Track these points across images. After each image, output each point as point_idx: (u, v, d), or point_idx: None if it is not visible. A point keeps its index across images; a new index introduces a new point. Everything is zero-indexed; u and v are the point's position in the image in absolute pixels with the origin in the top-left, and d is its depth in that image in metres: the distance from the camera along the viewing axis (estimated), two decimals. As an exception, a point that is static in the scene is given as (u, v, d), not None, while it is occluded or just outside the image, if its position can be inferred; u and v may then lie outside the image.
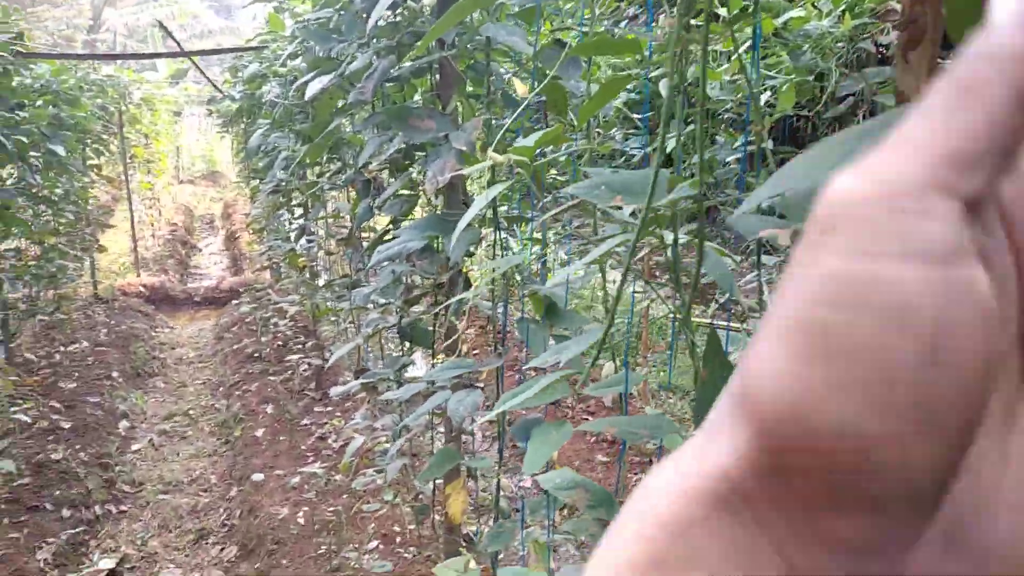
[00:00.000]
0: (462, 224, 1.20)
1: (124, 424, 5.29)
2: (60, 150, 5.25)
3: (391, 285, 2.49)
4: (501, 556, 1.81)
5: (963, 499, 0.24)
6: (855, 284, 0.21)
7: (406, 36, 1.97)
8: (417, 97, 2.50)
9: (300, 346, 5.69)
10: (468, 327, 5.94)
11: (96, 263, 7.97)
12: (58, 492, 4.20)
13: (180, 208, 13.33)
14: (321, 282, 4.74)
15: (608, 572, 0.24)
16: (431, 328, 2.50)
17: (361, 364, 4.26)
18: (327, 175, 3.55)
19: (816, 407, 0.21)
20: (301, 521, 3.75)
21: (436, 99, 2.12)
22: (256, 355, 6.03)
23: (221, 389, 5.89)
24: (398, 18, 1.95)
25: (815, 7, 2.31)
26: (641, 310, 4.07)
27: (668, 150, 2.39)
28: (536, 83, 1.84)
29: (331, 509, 3.80)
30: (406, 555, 3.33)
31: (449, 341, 2.32)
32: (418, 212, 2.45)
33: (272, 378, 5.54)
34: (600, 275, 1.51)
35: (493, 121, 1.80)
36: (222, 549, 3.95)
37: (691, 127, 2.33)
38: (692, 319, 1.13)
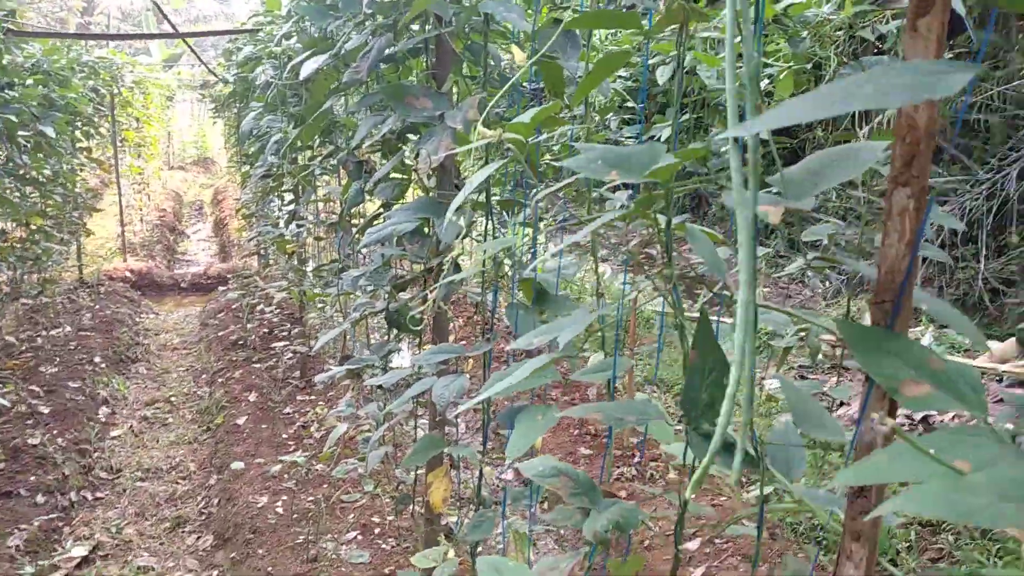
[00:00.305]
0: (454, 205, 1.15)
1: (105, 410, 5.22)
2: (50, 131, 5.18)
3: (380, 269, 2.44)
4: (480, 547, 1.76)
5: None
6: None
7: (403, 13, 1.92)
8: (411, 78, 2.45)
9: (286, 333, 5.63)
10: (456, 315, 5.89)
11: (83, 247, 7.88)
12: (33, 478, 4.12)
13: (169, 194, 13.22)
14: (310, 268, 4.68)
15: None
16: (419, 315, 2.46)
17: (347, 351, 4.21)
18: (318, 159, 3.49)
19: None
20: (280, 510, 3.70)
21: (432, 79, 2.08)
22: (241, 342, 5.96)
23: (204, 376, 5.82)
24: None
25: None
26: (629, 302, 4.04)
27: (663, 138, 2.35)
28: (534, 66, 1.80)
29: (311, 498, 3.74)
30: (384, 546, 3.29)
31: (436, 328, 2.27)
32: (409, 196, 2.40)
33: (256, 365, 5.48)
34: (592, 262, 1.47)
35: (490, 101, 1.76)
36: (198, 538, 3.89)
37: (687, 115, 2.30)
38: (682, 312, 1.09)
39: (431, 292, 2.30)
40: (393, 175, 2.43)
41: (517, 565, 1.31)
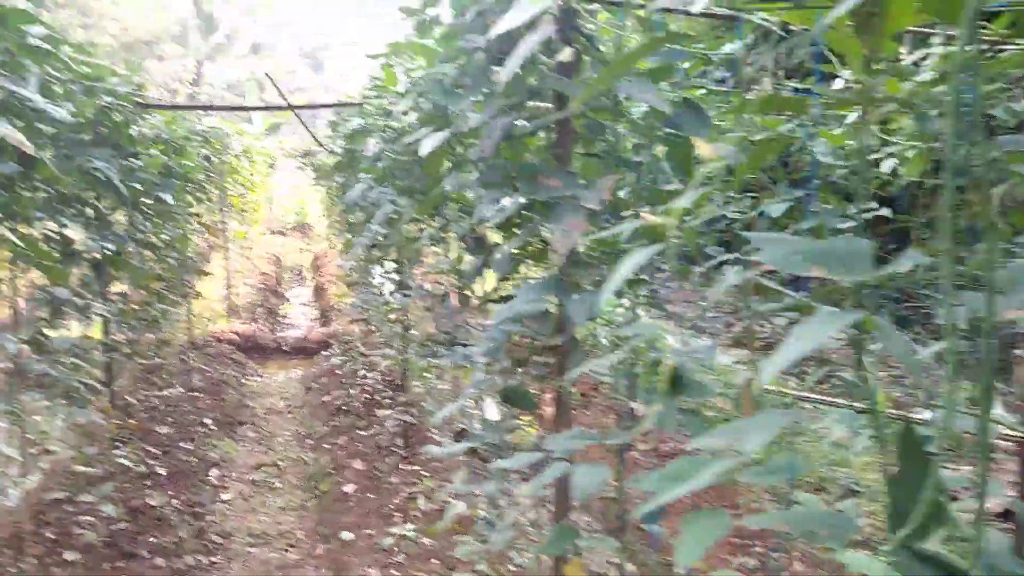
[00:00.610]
0: (607, 292, 1.11)
1: (215, 472, 5.33)
2: (168, 198, 5.43)
3: (496, 345, 2.41)
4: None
5: None
6: None
7: (528, 93, 1.92)
8: (526, 155, 2.45)
9: (389, 400, 5.66)
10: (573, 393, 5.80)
11: (191, 309, 8.20)
12: (153, 539, 4.21)
13: (271, 258, 13.70)
14: (414, 336, 4.71)
15: None
16: (534, 391, 2.41)
17: (455, 424, 4.18)
18: (426, 231, 3.53)
19: None
20: (390, 584, 3.66)
21: (553, 157, 2.06)
22: (344, 408, 6.03)
23: (309, 441, 5.90)
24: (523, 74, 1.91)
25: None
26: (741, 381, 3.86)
27: (774, 214, 2.26)
28: (653, 144, 1.76)
29: (421, 573, 3.69)
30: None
31: (558, 407, 2.21)
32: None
33: (361, 432, 5.52)
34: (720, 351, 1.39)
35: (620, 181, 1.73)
36: (309, 608, 3.88)
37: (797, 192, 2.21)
38: (784, 391, 1.00)
39: (552, 371, 2.25)
40: (513, 251, 2.41)
41: None
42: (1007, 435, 2.90)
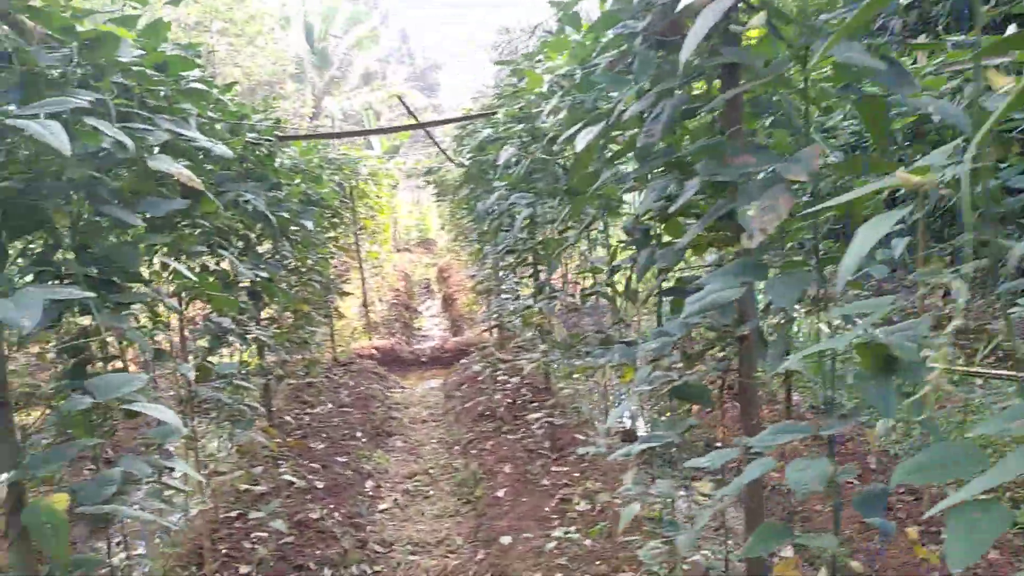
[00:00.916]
0: (849, 265, 1.02)
1: (370, 483, 5.47)
2: (309, 224, 5.64)
3: (667, 341, 2.34)
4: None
5: None
6: None
7: (694, 75, 1.85)
8: (686, 139, 2.38)
9: (535, 404, 5.66)
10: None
11: (333, 328, 8.50)
12: (318, 551, 4.35)
13: (400, 274, 14.08)
14: (556, 339, 4.69)
15: None
16: (710, 385, 2.33)
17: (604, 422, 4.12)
18: (571, 231, 3.49)
19: None
20: (556, 589, 3.62)
21: (722, 135, 1.98)
22: (488, 414, 6.08)
23: (457, 448, 5.97)
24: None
25: None
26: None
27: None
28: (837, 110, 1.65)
29: (585, 576, 3.64)
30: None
31: (743, 401, 2.12)
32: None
33: (507, 436, 5.54)
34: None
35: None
36: (477, 614, 3.90)
37: None
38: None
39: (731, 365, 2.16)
40: (672, 240, 2.34)
41: None
42: None
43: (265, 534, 4.25)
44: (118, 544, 3.94)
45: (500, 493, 4.76)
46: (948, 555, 0.99)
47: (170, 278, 3.27)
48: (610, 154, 2.49)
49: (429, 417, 7.06)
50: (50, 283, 2.31)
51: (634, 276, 2.35)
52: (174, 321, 3.96)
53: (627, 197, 3.47)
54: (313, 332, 6.45)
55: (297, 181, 5.29)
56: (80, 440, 2.26)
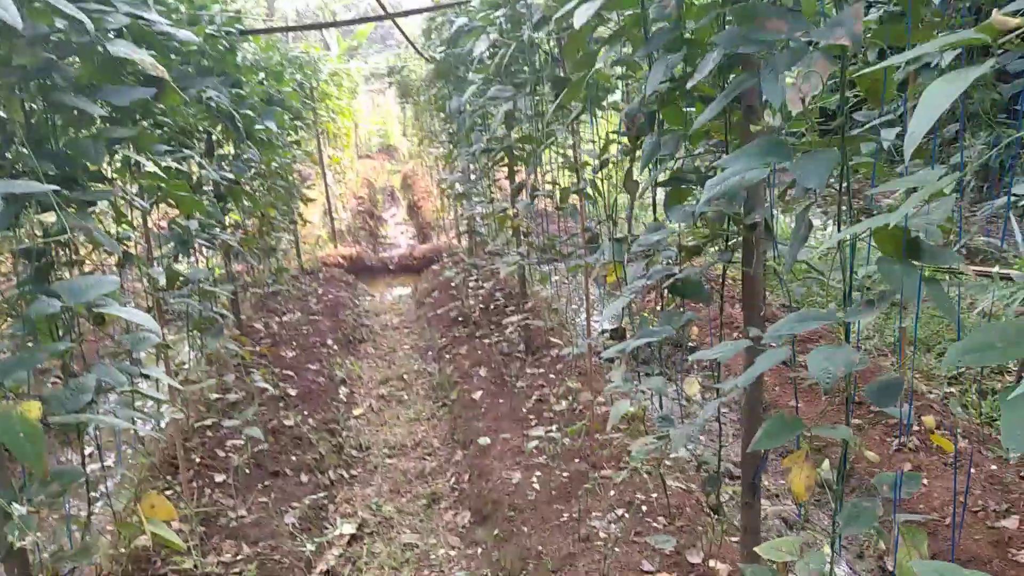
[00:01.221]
0: (914, 138, 0.92)
1: (344, 390, 5.43)
2: (273, 125, 5.37)
3: (661, 234, 2.26)
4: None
5: None
6: None
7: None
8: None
9: (509, 309, 5.61)
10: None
11: (299, 236, 8.30)
12: (294, 457, 4.32)
13: (363, 182, 13.76)
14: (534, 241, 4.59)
15: None
16: (709, 279, 2.26)
17: (561, 324, 4.08)
18: (557, 123, 3.35)
19: None
20: (536, 487, 3.64)
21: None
22: (460, 319, 6.03)
23: (431, 353, 5.93)
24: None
25: None
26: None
27: None
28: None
29: (565, 474, 3.66)
30: (655, 524, 3.13)
31: (747, 294, 2.06)
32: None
33: (481, 341, 5.50)
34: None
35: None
36: (455, 514, 3.92)
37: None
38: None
39: (735, 255, 2.08)
40: (673, 127, 2.22)
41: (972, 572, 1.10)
42: None
43: (240, 442, 4.19)
44: (90, 455, 3.86)
45: (476, 395, 4.75)
46: (1005, 437, 0.95)
47: (134, 178, 3.08)
48: (609, 34, 2.34)
49: (400, 324, 6.99)
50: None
51: (636, 166, 2.23)
52: (138, 224, 3.78)
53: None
54: (279, 239, 6.26)
55: (261, 76, 5.00)
56: (49, 345, 2.13)
